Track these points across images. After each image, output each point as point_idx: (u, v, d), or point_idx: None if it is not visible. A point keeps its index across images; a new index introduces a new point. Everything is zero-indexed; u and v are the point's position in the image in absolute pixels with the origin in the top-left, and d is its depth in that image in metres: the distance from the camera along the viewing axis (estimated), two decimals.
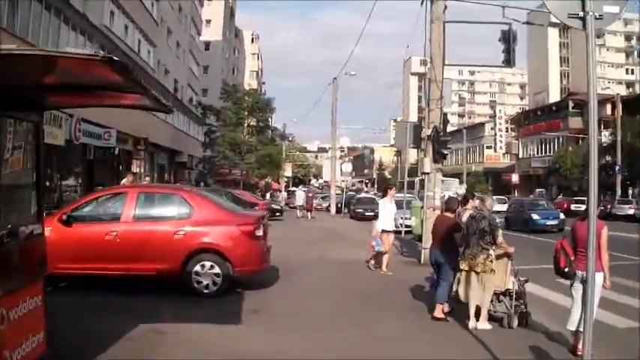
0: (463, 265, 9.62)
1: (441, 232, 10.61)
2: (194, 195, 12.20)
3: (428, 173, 17.71)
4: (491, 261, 9.42)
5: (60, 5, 24.13)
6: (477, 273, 9.44)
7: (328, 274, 15.36)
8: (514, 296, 9.71)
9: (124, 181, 21.20)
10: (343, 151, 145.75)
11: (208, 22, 77.39)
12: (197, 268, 11.40)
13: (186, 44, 56.60)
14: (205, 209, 11.78)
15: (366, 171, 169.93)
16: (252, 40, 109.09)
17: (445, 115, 17.70)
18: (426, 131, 17.81)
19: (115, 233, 11.39)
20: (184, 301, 11.02)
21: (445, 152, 17.52)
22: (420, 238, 19.03)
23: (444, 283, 10.24)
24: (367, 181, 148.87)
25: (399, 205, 27.35)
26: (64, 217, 11.63)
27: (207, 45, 77.45)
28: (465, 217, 10.59)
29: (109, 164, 35.32)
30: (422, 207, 19.06)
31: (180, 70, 53.81)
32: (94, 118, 27.74)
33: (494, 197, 23.57)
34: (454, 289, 10.22)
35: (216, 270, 11.40)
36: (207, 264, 11.41)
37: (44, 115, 6.69)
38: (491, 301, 9.69)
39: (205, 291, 11.39)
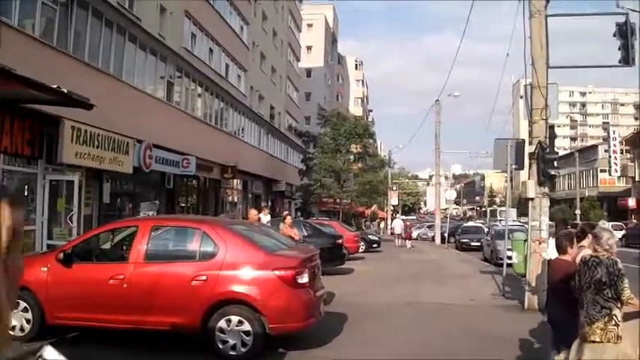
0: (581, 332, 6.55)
1: (557, 282, 7.53)
2: (220, 229, 9.50)
3: (532, 199, 14.54)
4: (617, 324, 6.32)
5: (125, 24, 22.54)
6: (594, 342, 6.37)
7: (409, 325, 12.34)
8: None
9: (251, 213, 18.91)
10: (447, 178, 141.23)
11: (309, 48, 76.35)
12: (222, 323, 8.81)
13: (284, 70, 55.14)
14: (234, 248, 9.11)
15: (477, 198, 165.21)
16: (356, 67, 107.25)
17: (552, 128, 14.55)
18: (530, 148, 14.71)
19: (121, 277, 9.05)
20: None
21: (552, 173, 14.25)
22: (524, 275, 15.72)
23: (567, 350, 7.21)
24: (478, 208, 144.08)
25: (502, 235, 24.31)
26: (61, 255, 9.40)
27: (309, 72, 76.27)
28: (579, 258, 7.51)
29: (195, 193, 33.76)
30: (525, 240, 15.72)
31: (276, 96, 52.26)
32: (169, 144, 26.05)
33: (609, 224, 19.62)
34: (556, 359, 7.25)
35: (246, 327, 8.75)
36: (235, 319, 8.78)
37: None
38: None
39: (232, 353, 8.78)
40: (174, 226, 10.38)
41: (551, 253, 13.52)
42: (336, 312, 12.20)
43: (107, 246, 10.18)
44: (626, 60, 14.18)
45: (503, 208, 39.93)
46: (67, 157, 18.61)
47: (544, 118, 14.18)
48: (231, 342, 8.78)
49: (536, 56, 14.11)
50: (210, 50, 33.75)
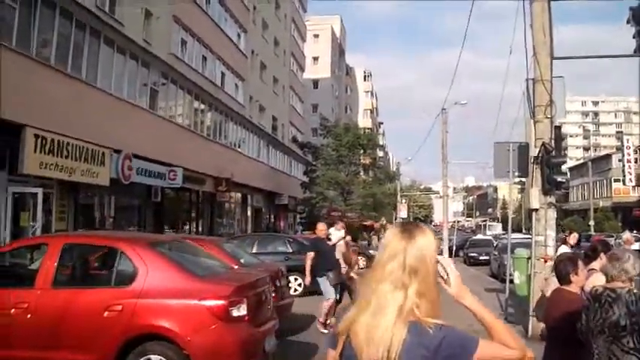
0: None
1: (556, 320, 5.34)
2: (140, 248, 7.70)
3: (536, 210, 12.75)
4: None
5: (100, 27, 21.05)
6: None
7: None
8: None
9: (320, 228, 14.50)
10: (456, 190, 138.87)
11: (315, 59, 74.80)
12: None
13: (287, 80, 53.49)
14: (155, 271, 7.37)
15: (490, 210, 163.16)
16: (365, 78, 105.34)
17: (558, 128, 12.84)
18: (533, 152, 12.91)
19: (25, 305, 7.38)
20: None
21: (559, 179, 12.47)
22: (526, 296, 13.76)
23: None
24: (491, 220, 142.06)
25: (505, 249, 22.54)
26: None
27: (316, 83, 74.73)
28: (589, 287, 5.37)
29: (187, 207, 32.21)
30: (529, 257, 13.77)
31: (279, 107, 50.63)
32: (153, 154, 24.50)
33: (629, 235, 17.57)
34: None
35: None
36: (156, 358, 7.08)
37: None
38: None
39: None
40: (88, 244, 8.64)
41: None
42: (304, 342, 10.51)
43: (11, 268, 8.57)
44: None
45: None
46: (30, 168, 17.22)
47: (549, 116, 12.41)
48: None
49: (538, 46, 12.37)
50: (204, 58, 32.19)
